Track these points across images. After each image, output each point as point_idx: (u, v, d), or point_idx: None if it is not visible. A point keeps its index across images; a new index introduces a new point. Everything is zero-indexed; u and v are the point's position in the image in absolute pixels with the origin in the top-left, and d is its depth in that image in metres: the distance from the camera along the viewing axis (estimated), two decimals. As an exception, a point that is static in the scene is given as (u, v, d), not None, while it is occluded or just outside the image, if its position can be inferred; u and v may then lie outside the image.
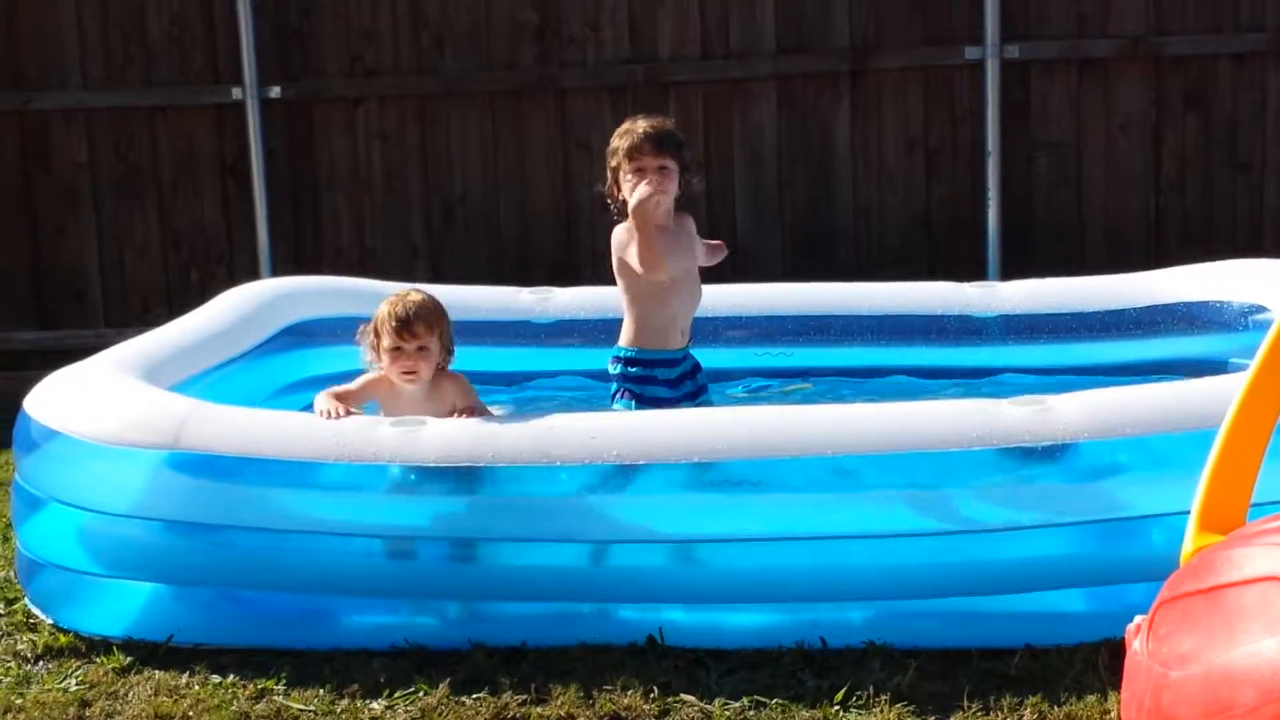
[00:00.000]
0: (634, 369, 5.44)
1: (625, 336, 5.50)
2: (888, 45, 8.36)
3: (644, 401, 5.41)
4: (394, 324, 4.97)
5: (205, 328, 5.87)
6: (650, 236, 5.25)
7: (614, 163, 5.40)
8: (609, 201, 5.48)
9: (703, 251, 5.68)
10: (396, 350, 4.98)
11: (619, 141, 5.39)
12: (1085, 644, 4.17)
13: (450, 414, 4.93)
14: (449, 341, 5.11)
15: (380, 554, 4.60)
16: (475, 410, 4.97)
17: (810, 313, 6.29)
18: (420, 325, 4.98)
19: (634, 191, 5.28)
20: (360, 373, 5.16)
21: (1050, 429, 4.34)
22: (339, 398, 4.93)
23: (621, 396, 5.47)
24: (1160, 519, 4.23)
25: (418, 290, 5.18)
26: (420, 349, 4.99)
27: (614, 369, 5.51)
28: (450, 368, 5.14)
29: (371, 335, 5.08)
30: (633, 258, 5.33)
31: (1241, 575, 2.86)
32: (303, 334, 6.30)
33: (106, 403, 4.85)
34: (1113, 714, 3.78)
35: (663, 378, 5.45)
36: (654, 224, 5.28)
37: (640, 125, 5.36)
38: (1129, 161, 8.33)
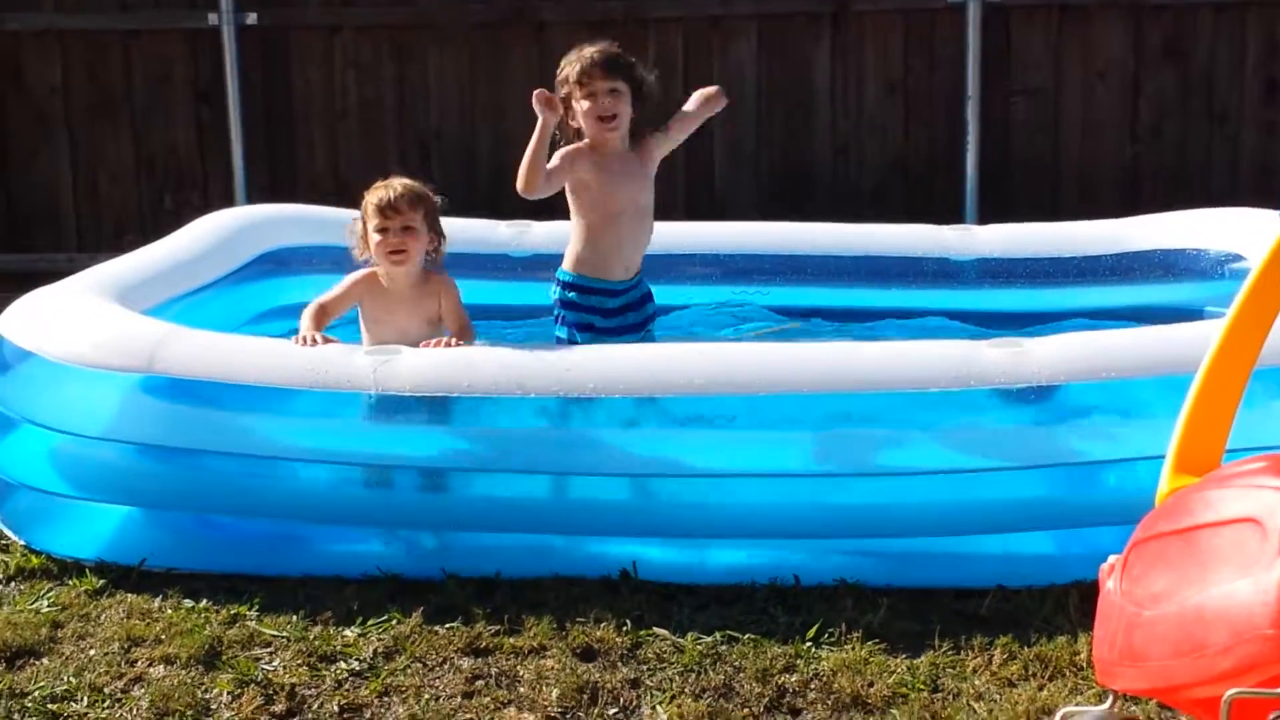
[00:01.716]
0: (570, 294, 5.36)
1: (566, 260, 5.40)
2: (870, -13, 8.33)
3: (576, 328, 5.33)
4: (376, 203, 4.98)
5: (180, 253, 5.84)
6: (535, 146, 5.09)
7: (564, 91, 5.31)
8: (556, 133, 5.33)
9: (682, 125, 5.43)
10: (382, 231, 4.98)
11: (569, 68, 5.28)
12: (1056, 586, 4.19)
13: (436, 321, 4.93)
14: (437, 226, 5.08)
15: (355, 482, 4.61)
16: (462, 329, 4.95)
17: (787, 252, 6.28)
18: (403, 202, 4.99)
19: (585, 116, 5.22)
20: None
21: (1027, 371, 4.35)
22: (323, 307, 4.95)
23: (558, 321, 5.41)
24: (1135, 462, 4.25)
25: (400, 176, 5.16)
26: (406, 228, 4.98)
27: (554, 290, 5.43)
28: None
29: (359, 226, 5.08)
30: (584, 173, 5.27)
31: (1217, 516, 2.87)
32: (277, 262, 6.27)
33: (80, 325, 4.82)
34: (1083, 654, 3.81)
35: (598, 306, 5.34)
36: (545, 136, 5.08)
37: (588, 50, 5.28)
38: (1107, 109, 8.33)
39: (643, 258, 5.45)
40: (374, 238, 5.00)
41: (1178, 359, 4.11)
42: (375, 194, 5.03)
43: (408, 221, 4.98)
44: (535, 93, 5.10)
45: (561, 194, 5.35)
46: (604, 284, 5.36)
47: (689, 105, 5.48)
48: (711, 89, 5.49)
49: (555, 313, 5.43)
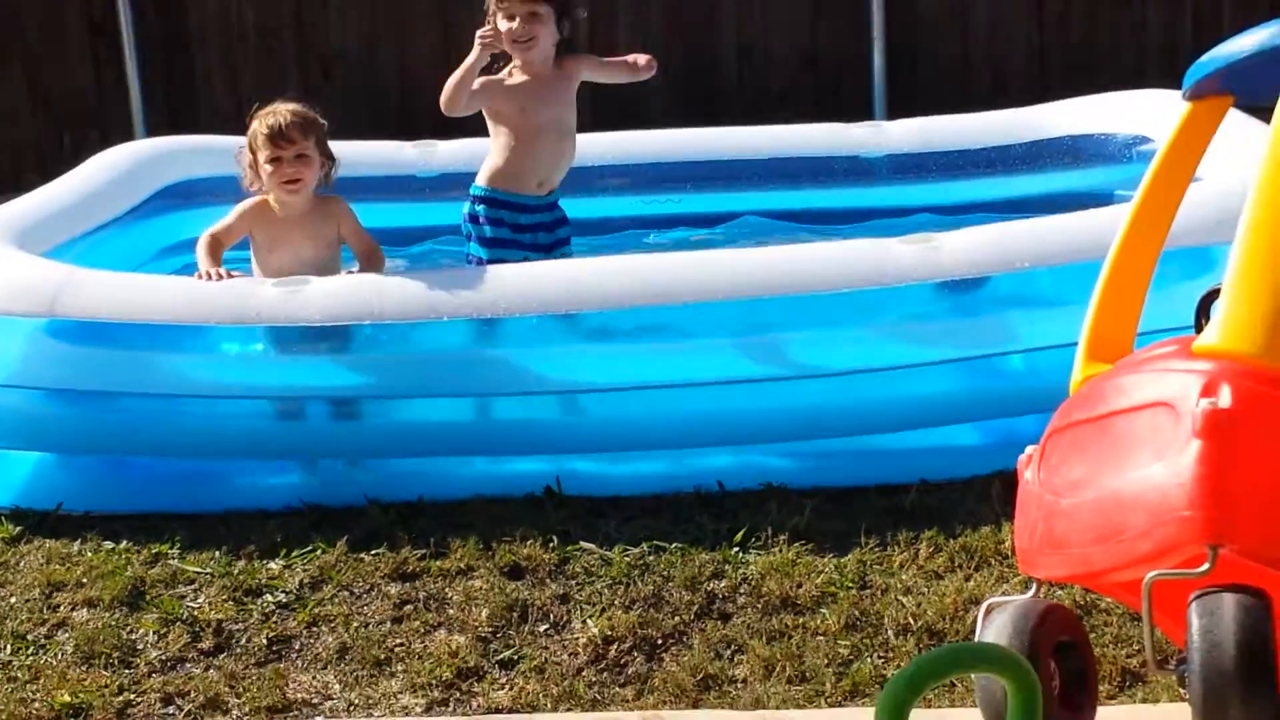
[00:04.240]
0: (481, 207, 5.32)
1: (481, 174, 5.37)
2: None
3: (485, 243, 5.29)
4: (267, 132, 4.85)
5: (79, 191, 5.70)
6: (465, 70, 5.14)
7: (489, 8, 5.31)
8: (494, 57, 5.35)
9: (607, 71, 5.49)
10: (275, 160, 4.86)
11: None
12: (978, 477, 4.21)
13: (334, 244, 4.88)
14: (327, 150, 4.99)
15: (269, 415, 4.55)
16: (370, 250, 4.89)
17: (696, 158, 6.23)
18: (295, 131, 4.86)
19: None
20: None
21: (940, 266, 4.34)
22: (215, 239, 4.85)
23: (468, 239, 5.37)
24: (1048, 351, 4.27)
25: (287, 100, 5.05)
26: (299, 156, 4.88)
27: (465, 206, 5.38)
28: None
29: (248, 154, 4.96)
30: (503, 95, 5.26)
31: (1130, 402, 2.88)
32: (180, 195, 6.14)
33: (-21, 270, 4.71)
34: (1007, 544, 3.83)
35: (509, 221, 5.30)
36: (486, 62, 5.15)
37: None
38: (1012, -3, 8.31)
39: (560, 179, 5.40)
40: (266, 168, 4.89)
41: (1089, 246, 4.11)
42: (264, 122, 4.89)
43: (301, 149, 4.88)
44: (479, 34, 5.16)
45: (479, 117, 5.33)
46: (516, 198, 5.31)
47: (621, 60, 5.47)
48: (644, 57, 5.44)
49: (465, 230, 5.38)
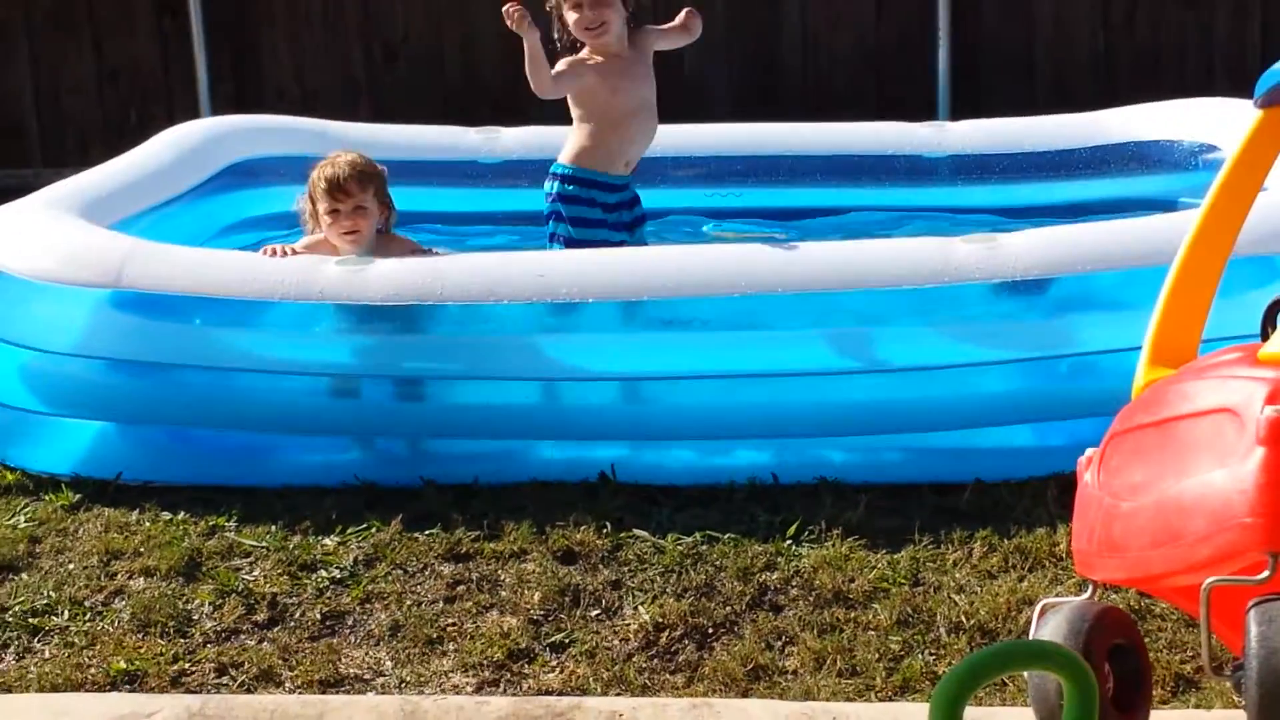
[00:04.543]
0: (570, 187, 5.36)
1: (566, 154, 5.41)
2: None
3: (572, 223, 5.34)
4: (325, 185, 4.93)
5: (145, 166, 5.75)
6: (529, 61, 5.16)
7: (553, 1, 5.36)
8: (555, 37, 5.40)
9: (668, 38, 5.52)
10: (334, 213, 4.93)
11: None
12: (1034, 479, 4.19)
13: None
14: (387, 199, 5.05)
15: (327, 392, 4.59)
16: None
17: (759, 153, 6.23)
18: (353, 184, 4.93)
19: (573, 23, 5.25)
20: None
21: (1001, 266, 4.33)
22: (282, 249, 4.91)
23: (553, 219, 5.40)
24: (1111, 354, 4.25)
25: (346, 151, 5.14)
26: (357, 209, 4.94)
27: (550, 186, 5.41)
28: (395, 225, 5.10)
29: (308, 204, 5.04)
30: (588, 79, 5.30)
31: (1193, 408, 2.87)
32: (244, 174, 6.19)
33: (46, 240, 4.77)
34: (1062, 546, 3.82)
35: (599, 200, 5.37)
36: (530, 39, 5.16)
37: None
38: (1078, -2, 8.26)
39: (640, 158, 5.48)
40: (325, 219, 4.95)
41: (1153, 251, 4.10)
42: (322, 173, 4.95)
43: (359, 202, 4.94)
44: (505, 10, 5.14)
45: (544, 102, 5.44)
46: (604, 178, 5.39)
47: (672, 25, 5.51)
48: (685, 12, 5.48)
49: (549, 209, 5.41)
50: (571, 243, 5.28)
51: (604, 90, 5.32)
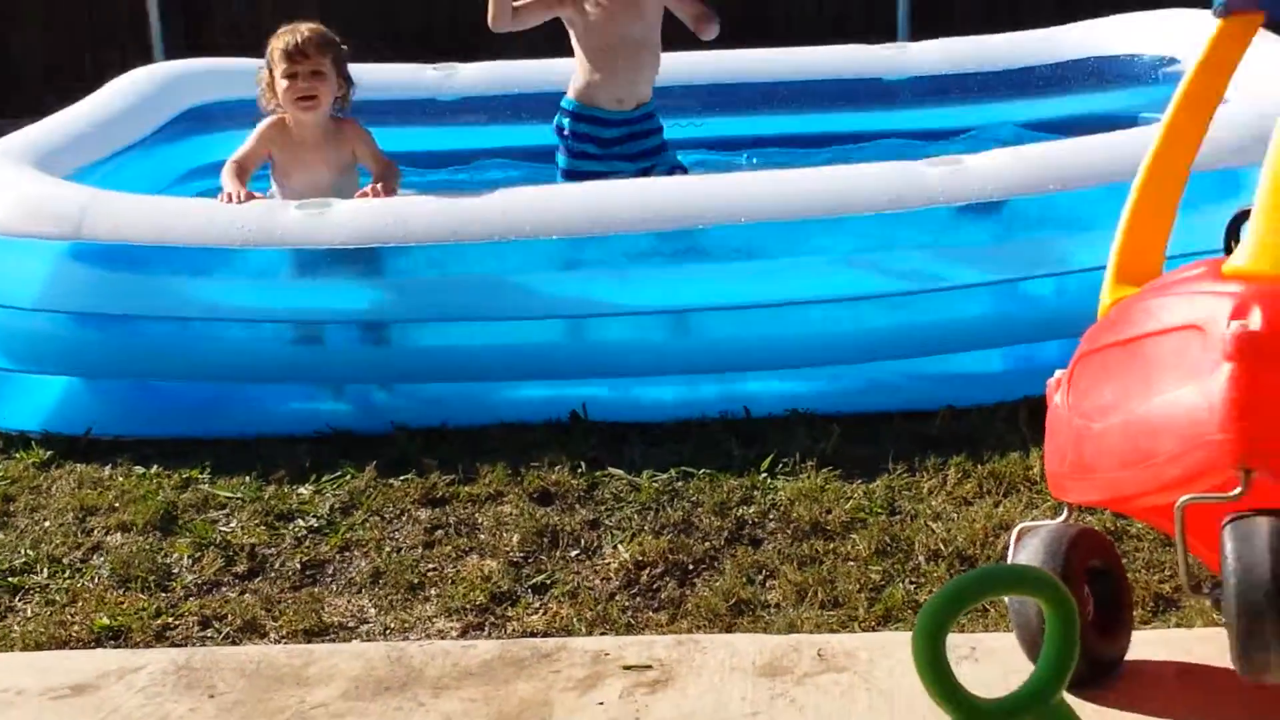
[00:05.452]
0: (566, 120, 5.52)
1: (570, 86, 5.54)
2: None
3: (573, 156, 5.50)
4: (283, 48, 4.93)
5: (99, 114, 5.69)
6: None
7: None
8: None
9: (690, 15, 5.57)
10: (290, 77, 4.91)
11: None
12: (1005, 403, 4.21)
13: (350, 169, 4.92)
14: (345, 72, 5.04)
15: (292, 339, 4.57)
16: (385, 169, 4.90)
17: (719, 81, 6.20)
18: (311, 47, 4.94)
19: None
20: None
21: (967, 188, 4.33)
22: (239, 164, 4.89)
23: (560, 152, 5.54)
24: (1076, 274, 4.26)
25: (307, 20, 5.10)
26: (314, 73, 4.93)
27: (556, 119, 5.56)
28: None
29: (266, 74, 5.01)
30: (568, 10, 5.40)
31: (1159, 325, 2.86)
32: (200, 119, 6.13)
33: (3, 193, 4.71)
34: (1035, 470, 3.84)
35: (594, 135, 5.48)
36: None
37: None
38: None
39: (646, 92, 5.53)
40: (281, 84, 4.94)
41: (1116, 168, 4.09)
42: (281, 39, 4.97)
43: (316, 66, 4.92)
44: None
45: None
46: (598, 112, 5.48)
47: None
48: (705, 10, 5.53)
49: (558, 141, 5.55)
50: (567, 175, 5.46)
51: (585, 20, 5.40)
